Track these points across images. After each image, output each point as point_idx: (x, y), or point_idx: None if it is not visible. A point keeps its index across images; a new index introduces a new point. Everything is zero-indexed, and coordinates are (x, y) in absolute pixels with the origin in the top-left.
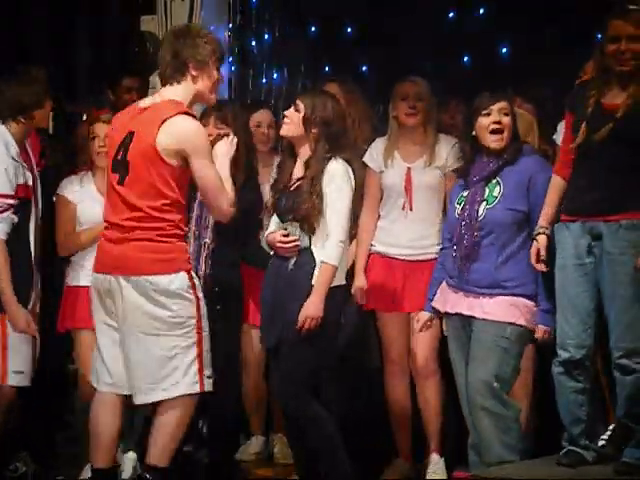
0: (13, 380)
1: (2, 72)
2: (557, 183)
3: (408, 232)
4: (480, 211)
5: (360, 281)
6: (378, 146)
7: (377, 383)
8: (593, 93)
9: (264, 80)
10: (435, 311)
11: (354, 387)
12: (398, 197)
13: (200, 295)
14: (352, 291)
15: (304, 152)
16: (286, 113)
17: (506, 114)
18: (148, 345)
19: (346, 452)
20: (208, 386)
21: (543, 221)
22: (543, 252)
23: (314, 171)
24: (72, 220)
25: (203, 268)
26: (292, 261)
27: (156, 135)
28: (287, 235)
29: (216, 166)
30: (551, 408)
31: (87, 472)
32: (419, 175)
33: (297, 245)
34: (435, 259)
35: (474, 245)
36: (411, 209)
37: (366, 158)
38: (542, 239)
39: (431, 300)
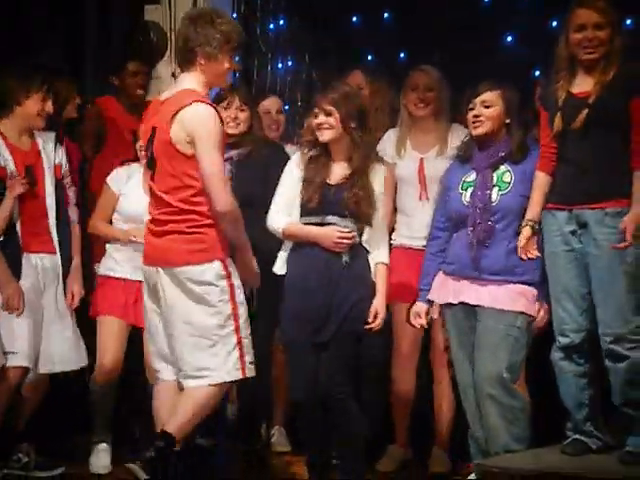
0: (5, 360)
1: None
2: (540, 179)
3: (427, 222)
4: (494, 196)
5: None
6: (390, 137)
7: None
8: (561, 84)
9: (269, 70)
10: (429, 302)
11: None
12: (413, 188)
13: (236, 283)
14: None
15: (340, 147)
16: (320, 122)
17: (487, 106)
18: (190, 334)
19: None
20: (250, 372)
21: (529, 214)
22: (525, 243)
23: (358, 164)
24: (107, 209)
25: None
26: (346, 256)
27: (170, 128)
28: (350, 231)
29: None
30: (550, 397)
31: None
32: (432, 165)
33: (354, 240)
34: None
35: (489, 230)
36: (427, 199)
37: (379, 148)
38: (526, 231)
39: (427, 290)
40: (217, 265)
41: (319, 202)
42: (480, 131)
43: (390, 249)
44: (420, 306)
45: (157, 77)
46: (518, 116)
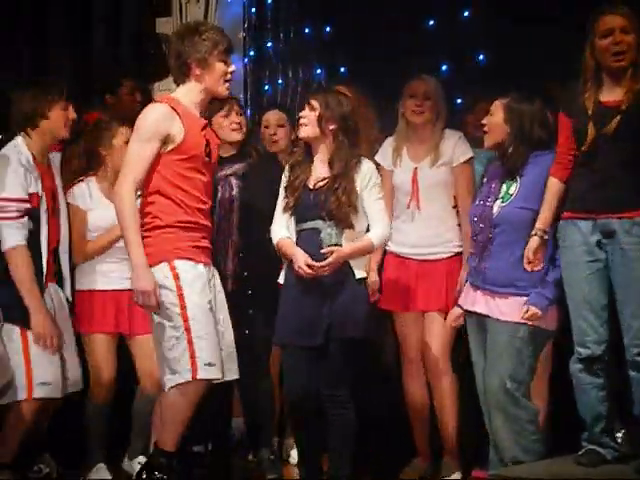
0: (39, 392)
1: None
2: (555, 185)
3: (417, 231)
4: (495, 209)
5: (372, 278)
6: (387, 145)
7: (394, 382)
8: (590, 94)
9: (279, 81)
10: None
11: (372, 386)
12: (405, 197)
13: (183, 284)
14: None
15: (322, 150)
16: (301, 114)
17: (491, 115)
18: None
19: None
20: (205, 373)
21: (540, 223)
22: (531, 254)
23: (338, 168)
24: (82, 228)
25: (231, 267)
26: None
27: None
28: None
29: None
30: (567, 407)
31: (98, 472)
32: (425, 174)
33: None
34: (447, 258)
35: (487, 243)
36: (418, 208)
37: (378, 157)
38: (534, 241)
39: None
40: (163, 267)
41: (295, 206)
42: (485, 143)
43: (384, 254)
44: (454, 310)
45: (168, 89)
46: (520, 126)
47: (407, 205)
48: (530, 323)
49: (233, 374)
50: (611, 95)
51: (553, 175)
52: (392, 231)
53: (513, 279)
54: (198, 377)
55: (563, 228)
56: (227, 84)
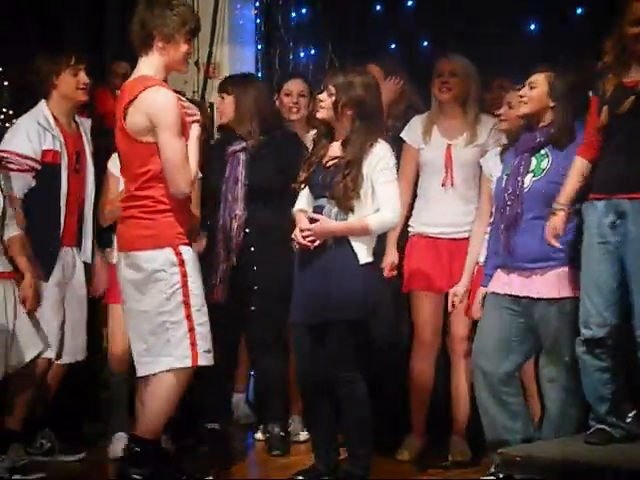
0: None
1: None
2: (579, 164)
3: (449, 209)
4: (526, 182)
5: (391, 256)
6: (416, 122)
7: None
8: (611, 77)
9: (291, 57)
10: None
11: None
12: (437, 174)
13: (188, 270)
14: (382, 265)
15: (340, 131)
16: (320, 97)
17: (532, 87)
18: (141, 320)
19: None
20: (204, 360)
21: (561, 199)
22: (556, 229)
23: (351, 153)
24: (110, 193)
25: (235, 241)
26: (330, 241)
27: (124, 116)
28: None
29: (186, 146)
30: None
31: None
32: (459, 152)
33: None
34: (468, 237)
35: (517, 216)
36: (452, 185)
37: (404, 134)
38: (561, 217)
39: (490, 276)
40: (167, 252)
41: (307, 181)
42: (522, 111)
43: (407, 236)
44: (481, 290)
45: None
46: (565, 101)
47: (442, 183)
48: (574, 295)
49: None
50: (633, 76)
51: (579, 154)
52: (418, 211)
53: (548, 251)
54: (199, 364)
55: (584, 210)
56: (185, 65)
